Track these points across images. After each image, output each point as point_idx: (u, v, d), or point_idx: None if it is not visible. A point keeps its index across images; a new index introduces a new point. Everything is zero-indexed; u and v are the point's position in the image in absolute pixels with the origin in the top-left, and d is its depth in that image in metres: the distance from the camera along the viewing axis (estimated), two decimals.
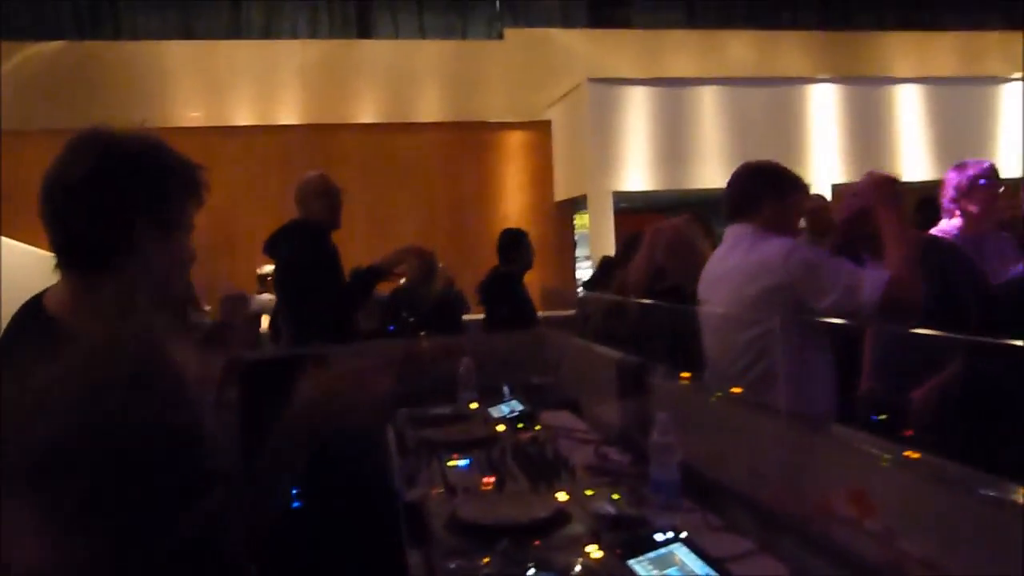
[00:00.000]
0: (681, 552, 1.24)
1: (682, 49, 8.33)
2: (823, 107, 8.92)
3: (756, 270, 2.17)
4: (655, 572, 1.19)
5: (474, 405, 2.51)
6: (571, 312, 6.07)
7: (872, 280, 2.00)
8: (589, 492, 1.65)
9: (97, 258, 1.26)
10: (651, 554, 1.25)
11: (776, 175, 2.34)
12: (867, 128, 8.91)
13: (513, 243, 4.97)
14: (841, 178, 8.80)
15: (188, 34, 10.09)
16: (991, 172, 3.18)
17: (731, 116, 8.61)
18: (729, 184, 2.39)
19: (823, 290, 2.04)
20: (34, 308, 1.31)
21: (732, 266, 2.28)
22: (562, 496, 1.61)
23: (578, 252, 10.02)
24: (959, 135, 8.90)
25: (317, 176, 3.60)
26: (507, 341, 3.75)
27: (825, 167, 8.79)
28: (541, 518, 1.44)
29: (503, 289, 4.91)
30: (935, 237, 2.93)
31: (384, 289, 4.29)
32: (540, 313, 5.59)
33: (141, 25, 10.25)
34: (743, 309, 2.17)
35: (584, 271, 9.82)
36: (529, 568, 1.20)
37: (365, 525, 2.53)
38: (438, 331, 4.01)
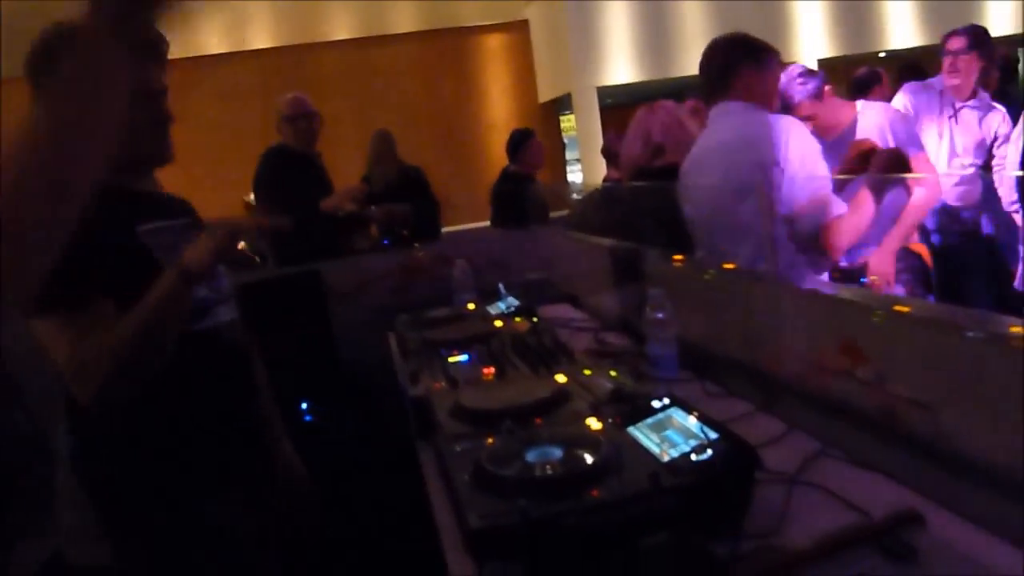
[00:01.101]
0: (678, 415, 1.27)
1: None
2: None
3: (748, 143, 2.15)
4: (653, 436, 1.22)
5: (472, 305, 2.53)
6: (566, 212, 6.05)
7: (833, 207, 2.07)
8: (588, 372, 1.67)
9: None
10: (649, 420, 1.28)
11: (748, 44, 2.27)
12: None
13: (523, 141, 4.92)
14: (827, 52, 8.63)
15: None
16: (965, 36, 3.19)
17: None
18: (702, 63, 2.32)
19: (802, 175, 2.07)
20: None
21: (721, 141, 2.25)
22: (561, 378, 1.63)
23: (568, 155, 9.92)
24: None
25: (289, 99, 3.56)
26: (501, 242, 3.76)
27: (810, 42, 8.60)
28: (541, 398, 1.47)
29: (516, 188, 4.85)
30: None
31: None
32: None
33: None
34: (736, 182, 2.16)
35: (574, 174, 9.74)
36: (531, 444, 1.23)
37: (376, 426, 2.59)
38: (418, 216, 4.07)
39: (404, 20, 9.74)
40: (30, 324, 1.38)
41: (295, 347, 2.68)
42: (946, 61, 3.24)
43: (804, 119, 2.67)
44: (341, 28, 9.65)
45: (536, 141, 4.99)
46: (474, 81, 9.96)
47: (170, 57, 1.51)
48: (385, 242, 4.24)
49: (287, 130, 3.53)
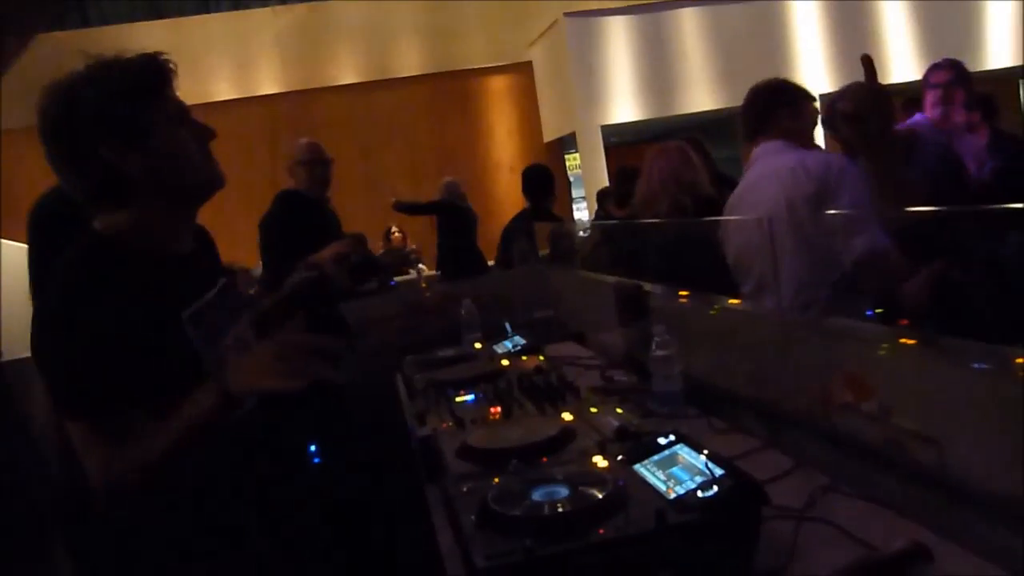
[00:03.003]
0: (684, 452, 1.27)
1: None
2: (806, 19, 8.78)
3: (795, 176, 2.19)
4: (659, 473, 1.22)
5: (478, 345, 2.54)
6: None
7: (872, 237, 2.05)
8: (594, 410, 1.68)
9: (99, 192, 1.38)
10: (655, 457, 1.28)
11: (788, 89, 2.41)
12: (852, 36, 8.77)
13: (540, 178, 4.89)
14: (829, 87, 8.70)
15: (157, 14, 9.99)
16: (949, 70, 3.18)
17: (713, 37, 8.49)
18: (744, 107, 2.45)
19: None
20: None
21: (765, 174, 2.31)
22: (567, 416, 1.64)
23: (573, 193, 9.98)
24: (946, 34, 8.76)
25: (304, 144, 3.60)
26: (507, 281, 3.78)
27: (812, 78, 8.68)
28: (547, 437, 1.47)
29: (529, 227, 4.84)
30: (916, 130, 2.93)
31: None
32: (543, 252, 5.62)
33: (109, 10, 10.16)
34: (783, 213, 2.18)
35: (580, 212, 9.79)
36: (537, 482, 1.23)
37: (383, 467, 2.58)
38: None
39: (409, 63, 9.89)
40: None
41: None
42: (930, 94, 3.25)
43: None
44: (347, 72, 9.80)
45: (552, 176, 4.98)
46: (480, 122, 10.07)
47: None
48: (392, 283, 4.28)
49: (301, 175, 3.55)
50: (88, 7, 10.02)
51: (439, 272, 5.73)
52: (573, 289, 3.24)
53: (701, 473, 1.17)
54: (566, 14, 8.23)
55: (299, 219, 3.48)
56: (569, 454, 1.43)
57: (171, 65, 1.41)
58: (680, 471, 1.21)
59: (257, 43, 9.56)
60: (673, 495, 1.13)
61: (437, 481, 1.55)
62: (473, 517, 1.16)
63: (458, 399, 1.92)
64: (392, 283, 4.26)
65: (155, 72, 1.39)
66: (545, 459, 1.42)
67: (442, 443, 1.61)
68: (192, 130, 1.44)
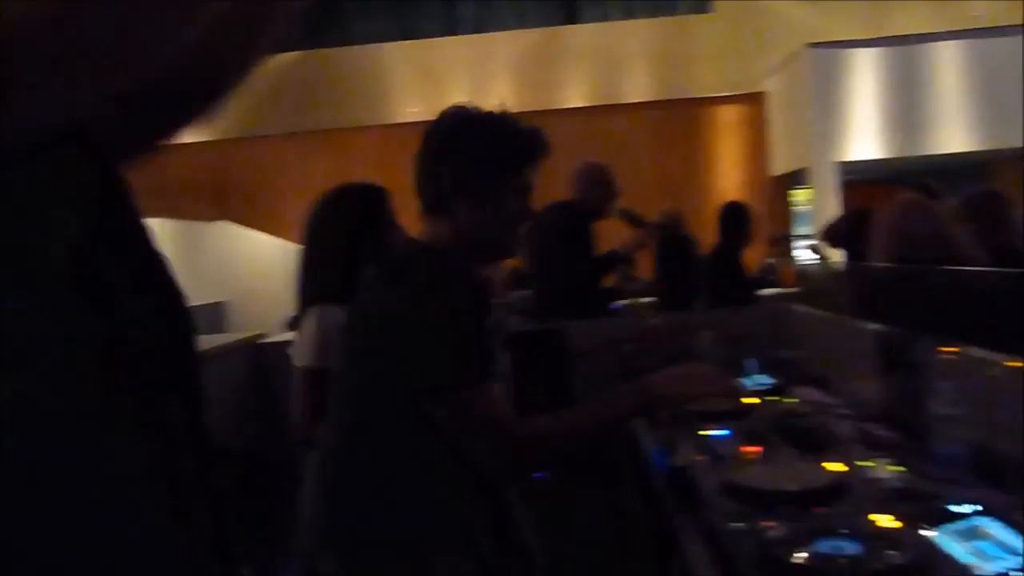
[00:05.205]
0: (992, 526, 1.15)
1: (911, 4, 7.69)
2: None
3: None
4: (962, 544, 1.11)
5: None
6: (793, 290, 5.84)
7: None
8: (862, 463, 1.58)
9: (434, 205, 1.55)
10: (954, 525, 1.18)
11: None
12: None
13: (736, 216, 4.84)
14: None
15: (406, 35, 10.73)
16: None
17: (972, 73, 7.81)
18: None
19: None
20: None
21: None
22: (836, 466, 1.55)
23: (798, 230, 9.53)
24: None
25: (591, 165, 3.71)
26: (739, 316, 3.66)
27: None
28: (822, 485, 1.40)
29: (726, 265, 4.80)
30: None
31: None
32: (766, 291, 5.44)
33: (359, 31, 11.04)
34: None
35: (804, 251, 9.33)
36: (817, 534, 1.17)
37: (615, 495, 2.58)
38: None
39: (638, 90, 9.93)
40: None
41: (539, 406, 2.73)
42: None
43: None
44: (575, 96, 10.00)
45: (749, 216, 4.91)
46: (705, 152, 9.91)
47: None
48: (616, 306, 4.27)
49: (584, 191, 3.64)
50: (347, 27, 10.95)
51: (657, 300, 5.66)
52: (816, 329, 3.08)
53: (1019, 554, 1.06)
54: (810, 45, 7.91)
55: (571, 230, 3.57)
56: (845, 507, 1.35)
57: (544, 146, 1.59)
58: (990, 547, 1.10)
59: (493, 64, 10.00)
60: (984, 571, 1.03)
61: (692, 514, 1.52)
62: (748, 559, 1.13)
63: (704, 433, 1.88)
64: (616, 306, 4.25)
65: (532, 147, 1.57)
66: (817, 509, 1.35)
67: (697, 475, 1.58)
68: (525, 207, 1.61)
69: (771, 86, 9.45)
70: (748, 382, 2.39)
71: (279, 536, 2.61)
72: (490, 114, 1.58)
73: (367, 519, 1.56)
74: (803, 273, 7.22)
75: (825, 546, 1.12)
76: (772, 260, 7.00)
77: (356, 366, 1.58)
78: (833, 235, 4.74)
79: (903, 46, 7.93)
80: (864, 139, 7.96)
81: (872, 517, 1.28)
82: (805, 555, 1.10)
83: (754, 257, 6.44)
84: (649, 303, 5.66)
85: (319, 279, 2.23)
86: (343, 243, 2.21)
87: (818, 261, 6.06)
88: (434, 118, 1.62)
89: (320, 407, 2.14)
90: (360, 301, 1.60)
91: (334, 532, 1.63)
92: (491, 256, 1.64)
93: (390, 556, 1.53)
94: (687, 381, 1.48)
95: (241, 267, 8.36)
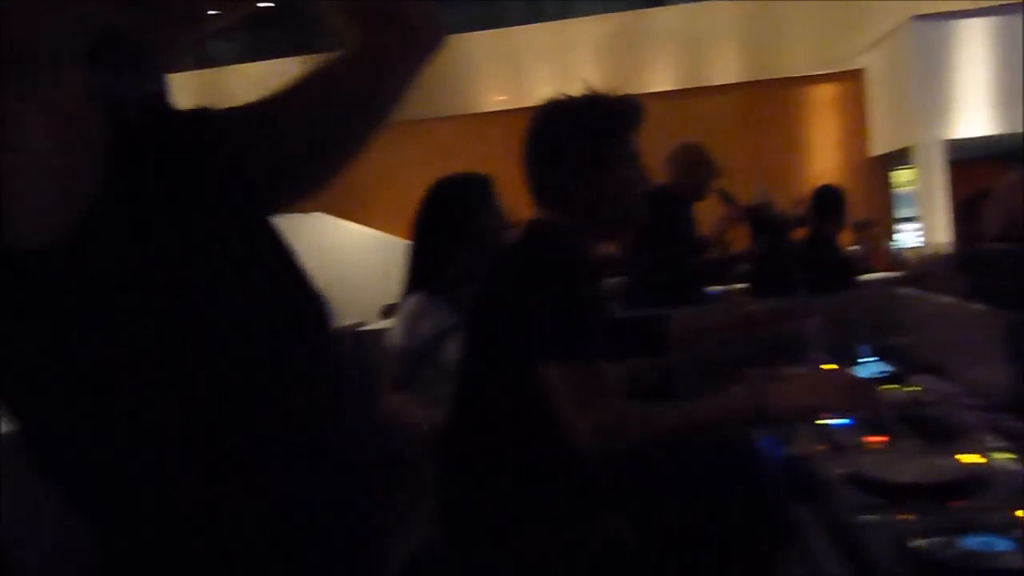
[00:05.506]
0: None
1: None
2: None
3: None
4: None
5: (829, 366, 2.37)
6: (894, 274, 5.63)
7: None
8: (998, 456, 1.48)
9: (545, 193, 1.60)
10: None
11: None
12: None
13: (831, 199, 4.66)
14: None
15: (490, 24, 10.73)
16: None
17: None
18: None
19: None
20: None
21: None
22: (971, 459, 1.46)
23: (900, 212, 9.14)
24: None
25: (687, 146, 3.64)
26: (842, 302, 3.52)
27: None
28: (959, 478, 1.32)
29: (823, 250, 4.63)
30: None
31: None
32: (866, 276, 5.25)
33: (448, 19, 11.11)
34: None
35: (906, 233, 8.94)
36: (960, 529, 1.10)
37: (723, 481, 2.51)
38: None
39: (727, 71, 9.67)
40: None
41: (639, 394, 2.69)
42: None
43: None
44: (663, 79, 9.82)
45: (843, 200, 4.72)
46: (798, 133, 9.60)
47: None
48: (712, 292, 4.18)
49: (677, 173, 3.56)
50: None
51: (751, 286, 5.51)
52: (927, 316, 2.93)
53: None
54: (914, 17, 7.54)
55: (665, 215, 3.53)
56: (986, 502, 1.27)
57: (639, 109, 1.61)
58: None
59: (577, 50, 9.89)
60: None
61: (813, 504, 1.46)
62: (884, 555, 1.07)
63: (822, 422, 1.80)
64: (712, 292, 4.16)
65: (628, 113, 1.61)
66: (954, 503, 1.27)
67: (817, 466, 1.52)
68: (638, 174, 1.62)
69: (869, 62, 9.06)
70: (864, 371, 2.29)
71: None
72: (581, 95, 1.62)
73: (482, 505, 1.57)
74: (901, 257, 6.93)
75: (974, 542, 1.05)
76: (857, 246, 6.72)
77: (473, 346, 1.61)
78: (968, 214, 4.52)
79: (1012, 15, 7.48)
80: (972, 115, 7.56)
81: (1020, 513, 1.20)
82: (952, 551, 1.03)
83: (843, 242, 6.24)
84: (743, 289, 5.52)
85: (420, 267, 2.27)
86: (444, 233, 2.24)
87: (920, 244, 5.82)
88: (520, 106, 1.68)
89: (407, 384, 2.18)
90: (477, 284, 1.64)
91: (451, 508, 1.65)
92: (612, 230, 1.67)
93: (504, 529, 1.55)
94: (816, 391, 1.40)
95: (335, 257, 8.56)
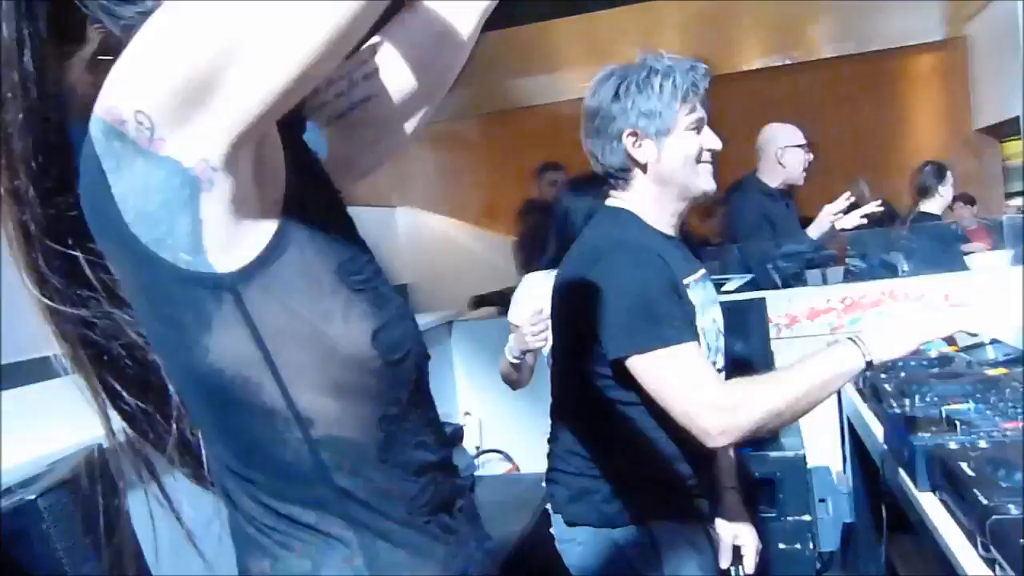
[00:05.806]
0: None
1: None
2: None
3: None
4: None
5: (948, 348, 2.29)
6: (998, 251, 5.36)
7: None
8: None
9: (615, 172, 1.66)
10: None
11: None
12: None
13: (935, 176, 4.49)
14: None
15: (572, 11, 10.65)
16: None
17: None
18: None
19: None
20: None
21: None
22: None
23: (1012, 187, 8.66)
24: None
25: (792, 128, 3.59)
26: (954, 282, 3.39)
27: None
28: None
29: (929, 229, 4.47)
30: None
31: None
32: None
33: (527, 11, 11.07)
34: None
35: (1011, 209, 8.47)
36: None
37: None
38: None
39: (820, 45, 9.34)
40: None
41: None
42: None
43: None
44: (752, 58, 9.55)
45: (948, 176, 4.56)
46: (895, 108, 9.19)
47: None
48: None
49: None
50: (513, 6, 11.01)
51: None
52: None
53: None
54: None
55: (762, 202, 3.55)
56: None
57: (703, 76, 1.56)
58: None
59: (665, 32, 9.72)
60: None
61: (948, 493, 1.42)
62: None
63: (949, 408, 1.74)
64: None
65: (690, 77, 1.63)
66: None
67: (949, 454, 1.47)
68: (704, 140, 1.55)
69: (974, 30, 8.61)
70: (991, 351, 2.20)
71: None
72: (635, 63, 1.63)
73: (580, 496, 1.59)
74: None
75: None
76: (953, 223, 6.39)
77: (560, 336, 1.63)
78: None
79: None
80: None
81: None
82: None
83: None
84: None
85: (525, 252, 2.54)
86: (541, 221, 2.47)
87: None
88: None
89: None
90: (559, 273, 1.66)
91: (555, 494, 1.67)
92: (689, 197, 1.64)
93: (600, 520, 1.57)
94: (904, 329, 1.36)
95: (423, 250, 8.68)
